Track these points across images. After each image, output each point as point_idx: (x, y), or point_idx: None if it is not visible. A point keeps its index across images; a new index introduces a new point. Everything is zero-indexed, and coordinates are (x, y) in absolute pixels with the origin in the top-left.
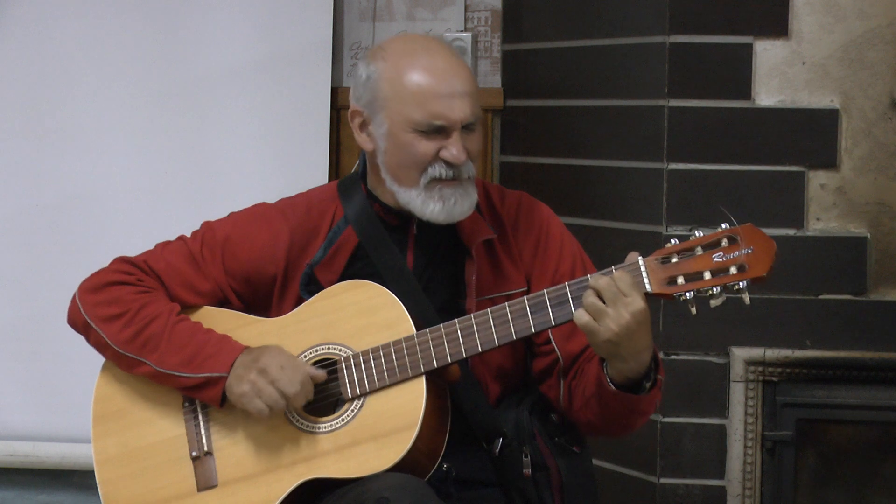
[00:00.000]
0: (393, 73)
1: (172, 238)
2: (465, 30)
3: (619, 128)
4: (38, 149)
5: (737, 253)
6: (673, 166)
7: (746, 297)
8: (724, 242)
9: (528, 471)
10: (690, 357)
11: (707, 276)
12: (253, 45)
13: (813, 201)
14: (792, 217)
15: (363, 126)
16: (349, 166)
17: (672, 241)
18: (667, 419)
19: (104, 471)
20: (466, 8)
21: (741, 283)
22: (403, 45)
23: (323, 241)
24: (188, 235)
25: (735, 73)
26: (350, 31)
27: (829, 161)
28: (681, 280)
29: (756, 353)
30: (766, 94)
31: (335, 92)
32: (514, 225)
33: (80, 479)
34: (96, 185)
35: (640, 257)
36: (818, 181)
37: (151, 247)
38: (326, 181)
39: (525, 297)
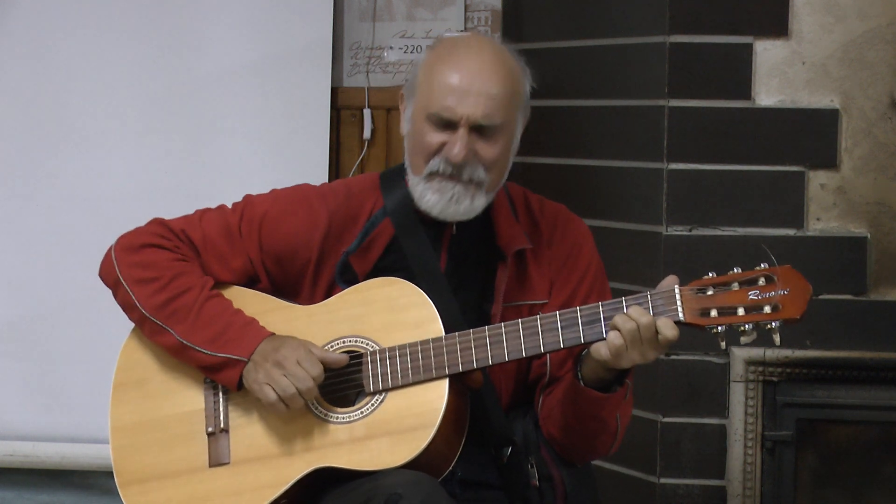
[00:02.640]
0: (431, 62)
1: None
2: (465, 30)
3: (619, 128)
4: (38, 148)
5: (773, 293)
6: (673, 166)
7: (777, 338)
8: (762, 281)
9: (535, 481)
10: (690, 357)
11: (741, 312)
12: (253, 44)
13: (813, 201)
14: (792, 217)
15: (405, 110)
16: (349, 166)
17: (709, 273)
18: (667, 419)
19: (118, 437)
20: (466, 8)
21: (773, 323)
22: (453, 41)
23: (360, 231)
24: (228, 206)
25: (735, 73)
26: (350, 31)
27: (829, 161)
28: (714, 313)
29: (756, 353)
30: (766, 94)
31: (335, 92)
32: (549, 236)
33: (80, 479)
34: (96, 185)
35: (676, 286)
36: (818, 181)
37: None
38: (326, 181)
39: (557, 311)
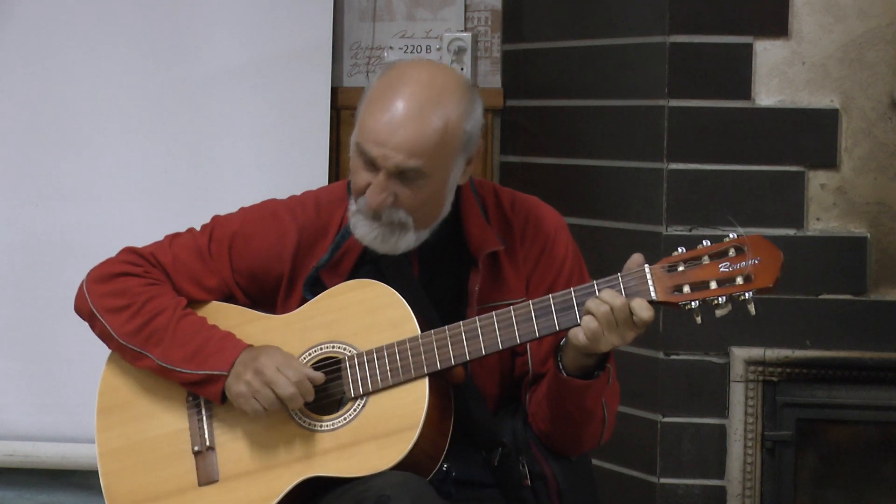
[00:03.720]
0: (369, 96)
1: (181, 230)
2: (465, 30)
3: (619, 128)
4: (37, 148)
5: (743, 263)
6: (673, 166)
7: (752, 308)
8: (731, 252)
9: (527, 481)
10: (690, 357)
11: (713, 285)
12: (253, 45)
13: (813, 201)
14: (792, 217)
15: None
16: (349, 166)
17: (678, 249)
18: (667, 419)
19: (107, 463)
20: (466, 8)
21: (747, 294)
22: (392, 75)
23: (330, 244)
24: (197, 228)
25: (735, 73)
26: (350, 31)
27: (829, 161)
28: (686, 289)
29: (756, 353)
30: (766, 94)
31: (335, 92)
32: (521, 232)
33: (80, 479)
34: (96, 185)
35: (646, 265)
36: (818, 181)
37: (160, 238)
38: (326, 181)
39: (530, 301)
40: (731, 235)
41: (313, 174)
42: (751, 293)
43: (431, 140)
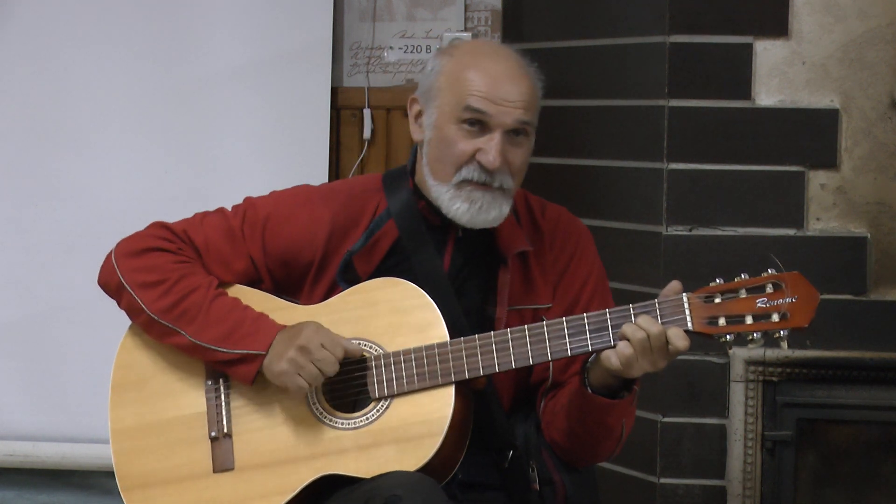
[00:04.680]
0: (454, 67)
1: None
2: (465, 30)
3: (619, 128)
4: (38, 149)
5: (781, 301)
6: (673, 166)
7: (785, 345)
8: (769, 288)
9: (536, 485)
10: (690, 357)
11: (749, 320)
12: (253, 45)
13: (813, 201)
14: (792, 217)
15: (418, 116)
16: (349, 166)
17: (716, 280)
18: (667, 419)
19: (119, 441)
20: (466, 8)
21: (782, 332)
22: (472, 47)
23: (364, 231)
24: (228, 209)
25: (735, 73)
26: (350, 31)
27: (829, 161)
28: (722, 321)
29: (756, 352)
30: (766, 94)
31: (335, 92)
32: (551, 239)
33: (80, 479)
34: (96, 185)
35: (684, 294)
36: (818, 181)
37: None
38: (326, 181)
39: (564, 318)
40: (770, 271)
41: (313, 174)
42: (786, 331)
43: (533, 92)
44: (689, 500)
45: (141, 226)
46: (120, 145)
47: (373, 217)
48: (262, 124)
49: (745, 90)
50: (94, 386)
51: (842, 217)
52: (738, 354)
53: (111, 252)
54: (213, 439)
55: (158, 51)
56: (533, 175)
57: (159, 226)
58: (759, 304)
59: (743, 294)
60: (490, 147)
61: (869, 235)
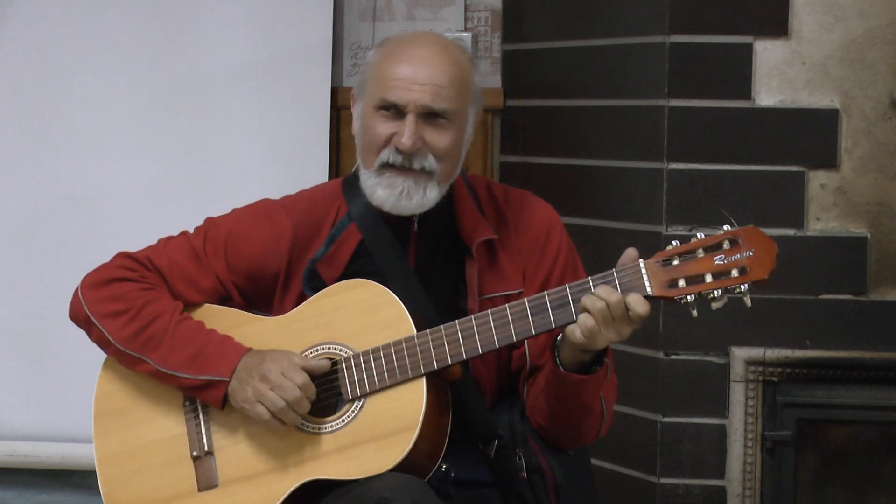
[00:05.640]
0: (378, 58)
1: (175, 233)
2: (465, 30)
3: (619, 128)
4: (38, 149)
5: (738, 255)
6: (673, 166)
7: (748, 300)
8: (726, 245)
9: (523, 473)
10: (690, 357)
11: (708, 278)
12: (253, 45)
13: (813, 201)
14: (792, 217)
15: (354, 109)
16: (349, 166)
17: (673, 242)
18: (667, 419)
19: (105, 469)
20: (466, 8)
21: (742, 286)
22: (400, 37)
23: (325, 238)
24: (191, 231)
25: (735, 73)
26: (350, 31)
27: (829, 161)
28: (682, 283)
29: (756, 353)
30: (766, 94)
31: (335, 92)
32: (516, 224)
33: (80, 479)
34: (96, 185)
35: (640, 260)
36: (818, 181)
37: (155, 241)
38: (326, 181)
39: (525, 298)
40: (725, 227)
41: (313, 174)
42: (746, 286)
43: (455, 78)
44: (688, 500)
45: (141, 226)
46: (119, 145)
47: (334, 223)
48: (261, 124)
49: (745, 90)
50: (94, 386)
51: (842, 217)
52: (738, 354)
53: (77, 287)
54: (195, 458)
55: (158, 51)
56: (533, 175)
57: (123, 256)
58: (717, 262)
59: (700, 254)
60: (402, 129)
61: (869, 235)
